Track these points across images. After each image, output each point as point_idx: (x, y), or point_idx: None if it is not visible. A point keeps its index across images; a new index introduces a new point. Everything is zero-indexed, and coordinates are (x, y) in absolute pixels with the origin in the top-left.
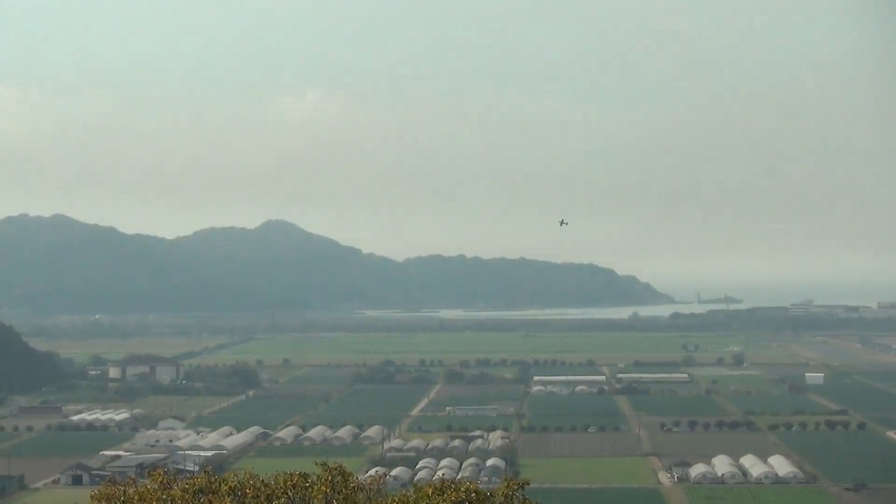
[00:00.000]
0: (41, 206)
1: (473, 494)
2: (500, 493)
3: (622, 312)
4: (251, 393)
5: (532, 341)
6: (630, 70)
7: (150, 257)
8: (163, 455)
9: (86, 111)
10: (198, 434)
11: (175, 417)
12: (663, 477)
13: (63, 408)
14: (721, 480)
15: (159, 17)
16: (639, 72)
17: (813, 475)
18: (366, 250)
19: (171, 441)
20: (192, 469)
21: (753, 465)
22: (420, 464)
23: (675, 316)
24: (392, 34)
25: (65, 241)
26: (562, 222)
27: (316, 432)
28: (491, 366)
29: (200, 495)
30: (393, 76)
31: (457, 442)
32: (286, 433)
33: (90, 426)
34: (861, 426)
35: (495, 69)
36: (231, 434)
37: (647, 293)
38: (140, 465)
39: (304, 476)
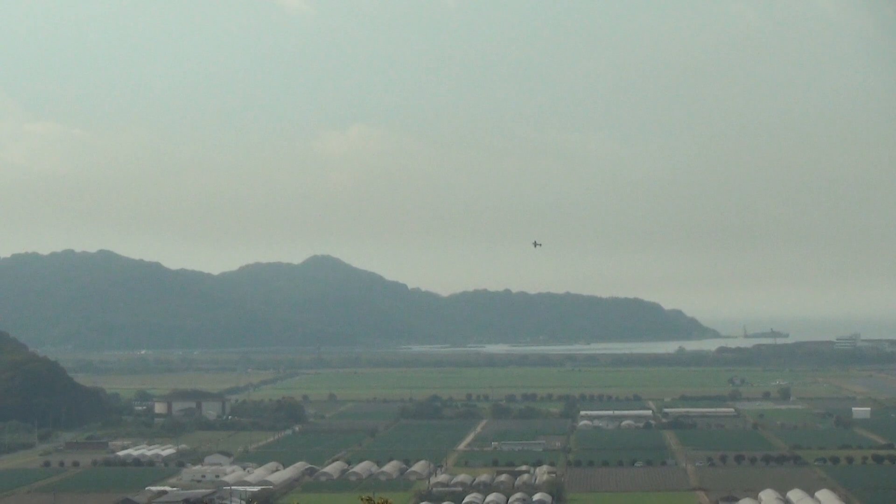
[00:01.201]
0: (86, 242)
1: None
2: None
3: (668, 347)
4: (297, 428)
5: (578, 376)
6: (672, 104)
7: (196, 293)
8: (209, 490)
9: (130, 147)
10: (244, 469)
11: (221, 453)
12: None
13: (109, 443)
14: None
15: (203, 54)
16: (681, 106)
17: None
18: (411, 285)
19: (217, 476)
20: None
21: (800, 500)
22: (466, 499)
23: (722, 350)
24: (435, 70)
25: (110, 276)
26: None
27: (362, 467)
28: (537, 400)
29: None
30: (436, 111)
31: (503, 477)
32: (332, 468)
33: (136, 462)
34: None
35: (538, 105)
36: (277, 469)
37: (692, 327)
38: (186, 501)
39: None
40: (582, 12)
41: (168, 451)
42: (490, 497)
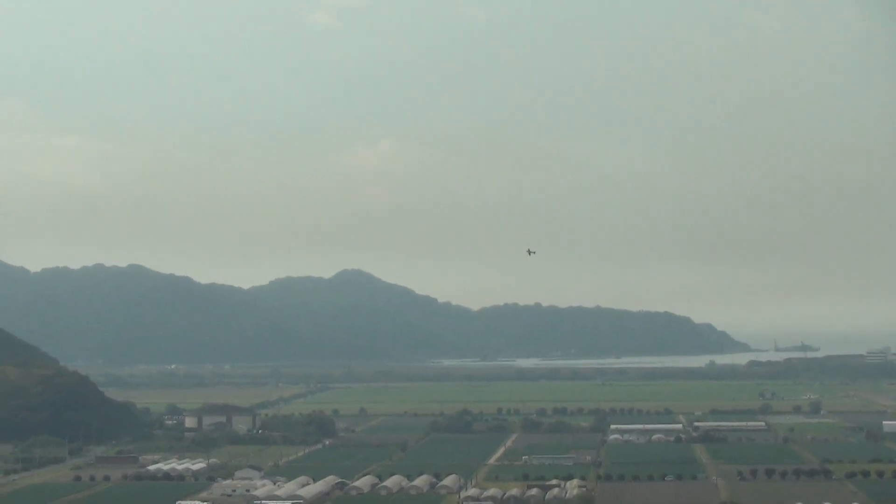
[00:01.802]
0: (117, 257)
1: None
2: None
3: (699, 360)
4: (328, 442)
5: (608, 390)
6: (703, 117)
7: (226, 307)
8: None
9: (159, 161)
10: (274, 484)
11: (252, 467)
12: None
13: (139, 457)
14: None
15: (233, 69)
16: (712, 119)
17: None
18: (442, 299)
19: (247, 491)
20: None
21: None
22: None
23: (752, 364)
24: (463, 84)
25: (140, 290)
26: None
27: (393, 481)
28: (567, 414)
29: None
30: (465, 126)
31: (534, 491)
32: (363, 482)
33: (167, 476)
34: None
35: (569, 120)
36: (308, 483)
37: (723, 341)
38: None
39: None
40: (606, 29)
41: (198, 465)
42: None
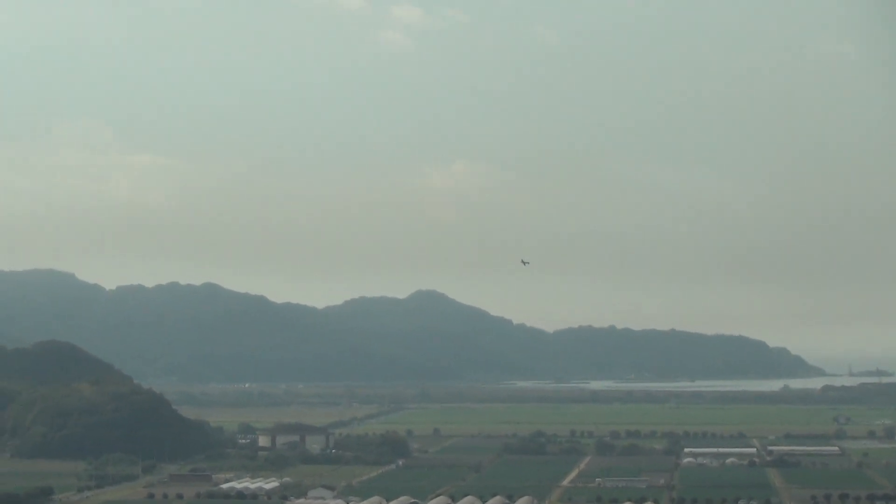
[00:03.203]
0: (192, 275)
1: None
2: None
3: (773, 385)
4: (401, 462)
5: (682, 413)
6: (779, 141)
7: (300, 326)
8: None
9: (233, 180)
10: (348, 503)
11: (325, 486)
12: None
13: (213, 476)
14: None
15: (308, 90)
16: (788, 143)
17: None
18: (516, 321)
19: None
20: None
21: None
22: None
23: (827, 388)
24: (536, 106)
25: (215, 309)
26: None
27: (466, 502)
28: (641, 437)
29: None
30: (537, 147)
31: None
32: (436, 503)
33: (240, 494)
34: None
35: (644, 143)
36: (381, 503)
37: (797, 365)
38: None
39: None
40: (683, 52)
41: (271, 484)
42: None
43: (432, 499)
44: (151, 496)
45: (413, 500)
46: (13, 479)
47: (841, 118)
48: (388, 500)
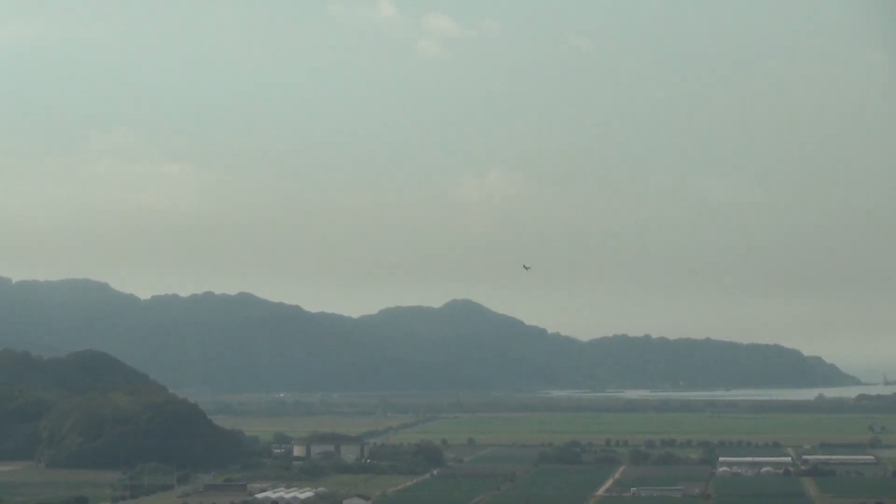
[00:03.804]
0: (226, 285)
1: None
2: None
3: (808, 393)
4: (436, 472)
5: (717, 422)
6: (812, 153)
7: (335, 335)
8: None
9: (266, 190)
10: None
11: (360, 496)
12: None
13: (247, 485)
14: None
15: (341, 99)
16: (820, 155)
17: None
18: (551, 330)
19: None
20: None
21: None
22: None
23: (861, 398)
24: (571, 115)
25: (250, 319)
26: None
27: None
28: (676, 446)
29: None
30: (572, 156)
31: None
32: None
33: None
34: None
35: (677, 151)
36: None
37: (832, 374)
38: None
39: None
40: (723, 60)
41: (306, 494)
42: None
43: None
44: None
45: None
46: (48, 489)
47: (885, 129)
48: None
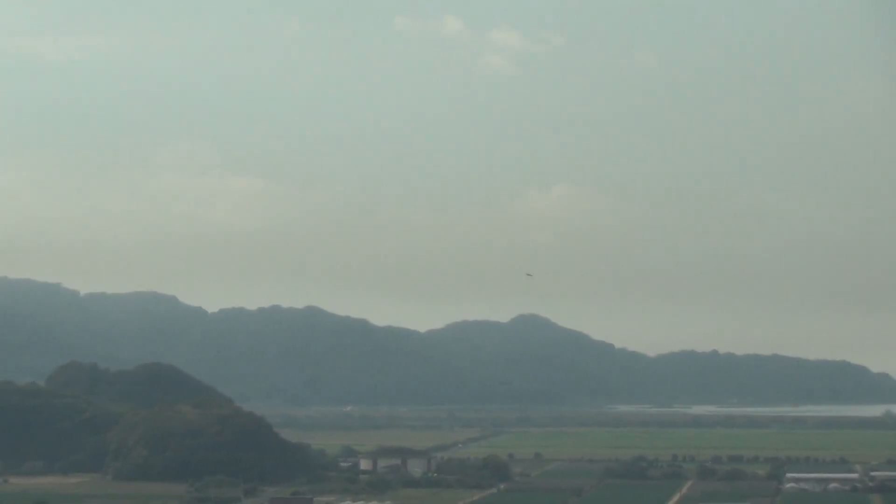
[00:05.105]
0: (293, 298)
1: None
2: None
3: (875, 410)
4: (502, 486)
5: (784, 438)
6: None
7: (402, 350)
8: None
9: (333, 203)
10: None
11: None
12: None
13: (314, 499)
14: None
15: (407, 111)
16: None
17: None
18: (618, 345)
19: None
20: None
21: None
22: None
23: None
24: (637, 129)
25: (317, 332)
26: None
27: None
28: (743, 462)
29: None
30: (638, 170)
31: None
32: None
33: None
34: None
35: (745, 166)
36: None
37: None
38: None
39: None
40: (801, 76)
41: None
42: None
43: None
44: None
45: None
46: (115, 502)
47: None
48: None
